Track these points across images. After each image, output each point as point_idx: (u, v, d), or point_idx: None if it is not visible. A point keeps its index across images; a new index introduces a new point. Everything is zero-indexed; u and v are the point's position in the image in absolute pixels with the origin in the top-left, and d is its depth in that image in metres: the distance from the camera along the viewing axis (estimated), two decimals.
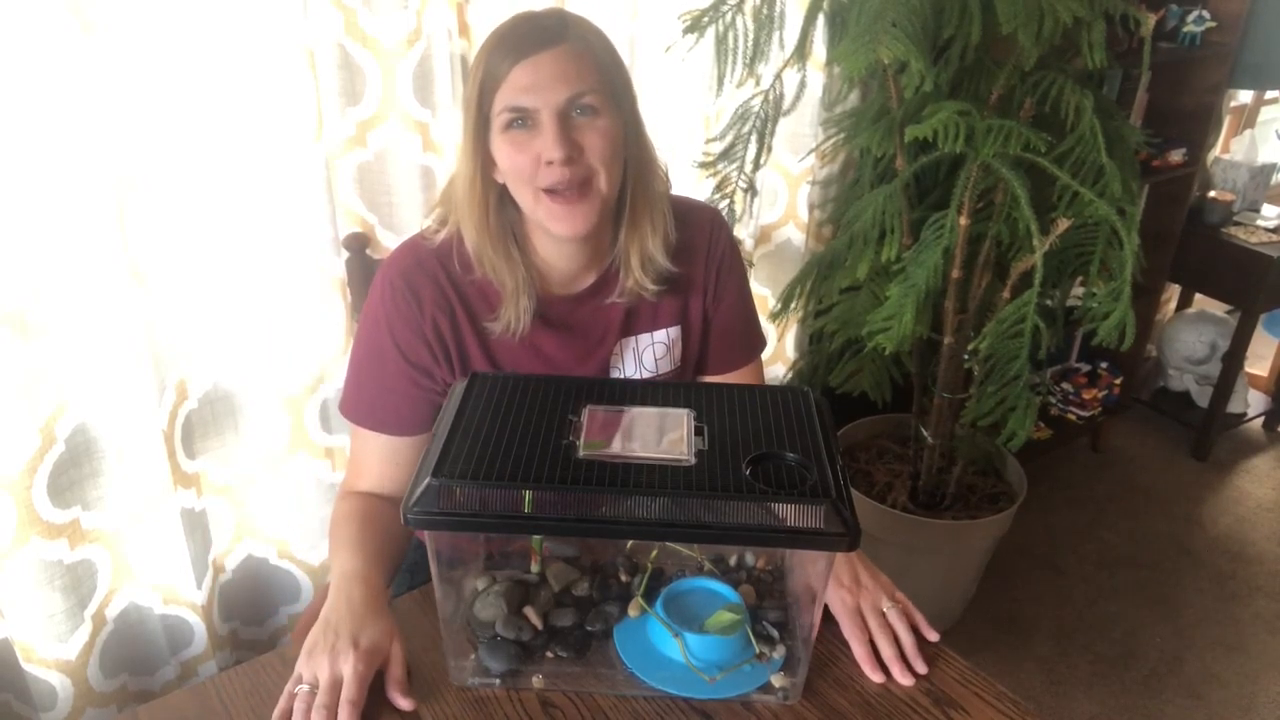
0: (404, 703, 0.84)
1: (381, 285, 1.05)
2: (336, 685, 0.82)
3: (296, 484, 1.48)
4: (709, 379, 1.22)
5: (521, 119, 0.95)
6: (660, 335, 1.14)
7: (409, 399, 1.07)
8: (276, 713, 0.82)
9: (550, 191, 0.97)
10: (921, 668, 0.91)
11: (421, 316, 1.03)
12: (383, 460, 1.09)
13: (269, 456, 1.45)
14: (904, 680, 0.90)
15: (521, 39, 0.94)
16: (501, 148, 0.97)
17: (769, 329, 2.10)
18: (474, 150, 0.98)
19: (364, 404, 1.08)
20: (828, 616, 0.94)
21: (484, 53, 0.96)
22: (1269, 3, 2.28)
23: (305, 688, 0.83)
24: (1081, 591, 2.28)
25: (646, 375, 1.14)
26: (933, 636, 0.95)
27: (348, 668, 0.83)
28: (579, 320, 1.10)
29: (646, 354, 1.14)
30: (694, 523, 0.75)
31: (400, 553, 1.08)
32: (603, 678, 0.87)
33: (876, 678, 0.90)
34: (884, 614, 0.94)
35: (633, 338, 1.13)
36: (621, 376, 1.13)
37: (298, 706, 0.81)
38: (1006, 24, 1.40)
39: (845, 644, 0.93)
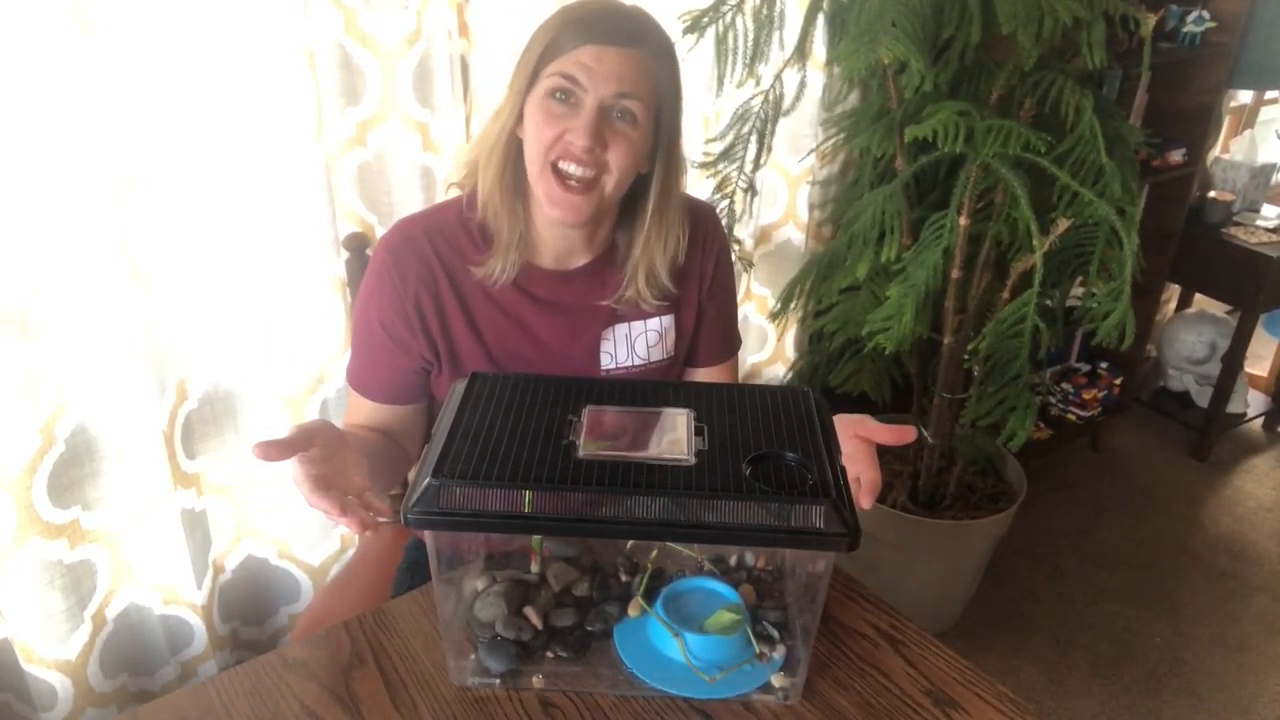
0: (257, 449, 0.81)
1: (372, 261, 1.09)
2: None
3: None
4: (695, 371, 1.24)
5: (565, 92, 0.98)
6: (653, 323, 1.15)
7: (390, 370, 1.11)
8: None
9: (558, 172, 0.99)
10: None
11: (404, 293, 1.06)
12: (365, 422, 1.14)
13: None
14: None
15: (602, 28, 0.97)
16: (535, 112, 1.00)
17: (769, 329, 2.10)
18: (512, 106, 1.02)
19: (354, 369, 1.14)
20: (827, 617, 0.94)
21: (556, 22, 0.99)
22: (1269, 3, 2.28)
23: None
24: (1081, 591, 2.28)
25: (639, 362, 1.15)
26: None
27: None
28: (568, 300, 1.11)
29: (639, 341, 1.15)
30: (694, 523, 0.75)
31: (389, 469, 1.11)
32: (603, 678, 0.87)
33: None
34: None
35: (625, 324, 1.14)
36: (612, 361, 1.14)
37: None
38: (1006, 24, 1.40)
39: (845, 644, 0.93)
